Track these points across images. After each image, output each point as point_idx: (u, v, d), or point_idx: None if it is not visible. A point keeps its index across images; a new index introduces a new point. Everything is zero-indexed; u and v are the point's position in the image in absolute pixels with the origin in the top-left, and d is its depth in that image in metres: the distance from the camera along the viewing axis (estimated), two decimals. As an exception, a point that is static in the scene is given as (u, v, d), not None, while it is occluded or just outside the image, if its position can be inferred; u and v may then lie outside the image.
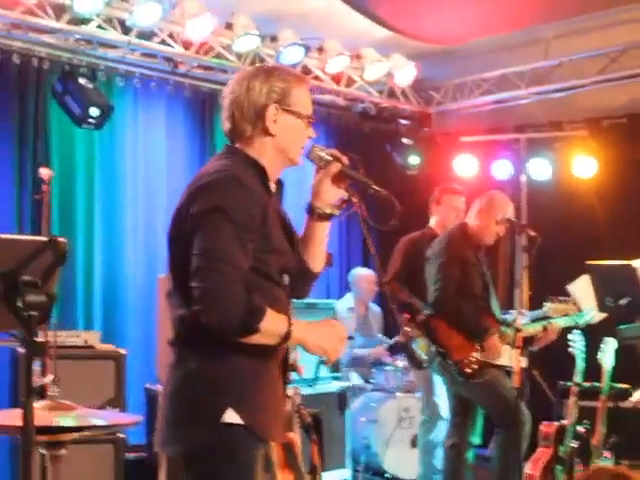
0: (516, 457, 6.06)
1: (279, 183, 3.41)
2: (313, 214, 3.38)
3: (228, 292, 2.97)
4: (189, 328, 3.10)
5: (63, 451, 3.21)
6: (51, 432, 3.13)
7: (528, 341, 6.38)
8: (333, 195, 3.35)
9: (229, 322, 2.97)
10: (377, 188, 3.26)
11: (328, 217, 3.37)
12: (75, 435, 3.17)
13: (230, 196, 3.10)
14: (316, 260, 3.44)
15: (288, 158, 3.32)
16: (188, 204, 3.13)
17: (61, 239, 2.87)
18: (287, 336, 3.05)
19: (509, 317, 6.50)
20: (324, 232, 3.42)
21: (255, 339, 3.02)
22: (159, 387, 6.69)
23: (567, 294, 6.77)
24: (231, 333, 3.00)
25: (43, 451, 3.21)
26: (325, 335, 3.15)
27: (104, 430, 3.51)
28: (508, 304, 7.70)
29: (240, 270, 3.02)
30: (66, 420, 3.15)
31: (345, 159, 3.33)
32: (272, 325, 3.03)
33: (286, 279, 3.27)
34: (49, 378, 3.26)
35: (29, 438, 2.61)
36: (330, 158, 3.32)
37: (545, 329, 6.37)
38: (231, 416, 3.08)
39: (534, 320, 6.58)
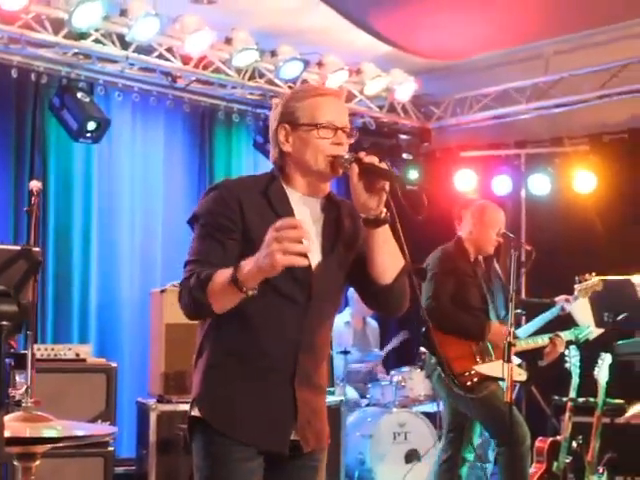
0: (520, 474, 6.02)
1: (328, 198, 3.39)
2: (363, 224, 3.31)
3: (185, 284, 3.11)
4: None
5: (36, 463, 3.19)
6: (23, 443, 3.11)
7: (535, 355, 6.35)
8: (368, 199, 3.19)
9: (187, 306, 3.11)
10: (402, 183, 3.17)
11: (373, 223, 3.23)
12: (48, 446, 3.15)
13: (204, 203, 3.27)
14: (379, 271, 3.31)
15: (314, 170, 3.27)
16: None
17: (35, 248, 2.85)
18: (234, 280, 2.95)
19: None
20: (377, 240, 3.26)
21: (215, 304, 3.05)
22: (151, 401, 6.69)
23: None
24: (197, 312, 3.14)
25: (15, 463, 3.19)
26: (262, 252, 2.91)
27: (79, 441, 3.48)
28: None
29: (207, 264, 3.10)
30: (40, 431, 3.13)
31: (368, 157, 3.18)
32: (216, 282, 3.02)
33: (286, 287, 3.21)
34: (23, 389, 3.22)
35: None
36: (351, 160, 3.20)
37: (553, 343, 6.31)
38: (195, 410, 3.28)
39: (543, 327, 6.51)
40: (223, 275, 3.01)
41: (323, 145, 3.24)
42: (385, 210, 3.22)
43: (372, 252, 3.29)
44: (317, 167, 3.25)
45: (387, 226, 3.26)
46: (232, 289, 2.98)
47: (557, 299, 6.60)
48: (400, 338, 9.37)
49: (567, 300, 6.55)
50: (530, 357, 6.38)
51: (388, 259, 3.30)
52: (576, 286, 6.60)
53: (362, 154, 3.19)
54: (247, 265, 2.96)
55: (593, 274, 6.58)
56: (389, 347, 9.34)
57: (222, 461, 3.23)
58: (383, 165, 3.17)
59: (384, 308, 3.51)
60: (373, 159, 3.18)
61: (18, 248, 2.93)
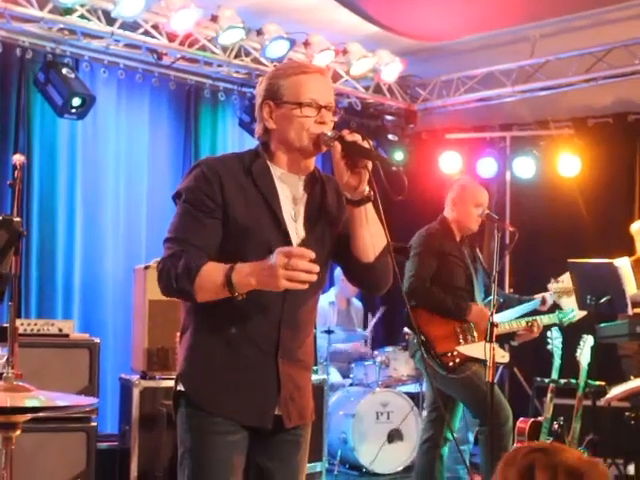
0: (501, 455, 6.02)
1: (313, 176, 3.40)
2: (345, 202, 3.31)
3: (167, 264, 3.16)
4: None
5: (17, 432, 3.18)
6: (4, 413, 3.11)
7: (509, 336, 6.37)
8: (350, 177, 3.19)
9: (168, 289, 3.17)
10: (384, 162, 3.17)
11: (355, 202, 3.24)
12: (28, 416, 3.14)
13: (187, 180, 3.30)
14: (360, 249, 3.32)
15: (297, 147, 3.28)
16: None
17: (16, 218, 2.84)
18: (228, 284, 3.04)
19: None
20: (359, 218, 3.26)
21: (201, 297, 3.13)
22: (134, 377, 6.69)
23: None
24: (178, 297, 3.22)
25: (-5, 432, 3.19)
26: (266, 269, 3.01)
27: (60, 412, 3.49)
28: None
29: (187, 244, 3.17)
30: (21, 401, 3.12)
31: (351, 135, 3.18)
32: (206, 279, 3.09)
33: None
34: (3, 360, 3.21)
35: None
36: (334, 137, 3.20)
37: (530, 325, 6.33)
38: (179, 385, 3.33)
39: (523, 315, 6.53)
40: (215, 272, 3.08)
41: (306, 123, 3.26)
42: (368, 189, 3.23)
43: (354, 230, 3.30)
44: (300, 144, 3.27)
45: (370, 205, 3.27)
46: (223, 290, 3.06)
47: (536, 296, 6.64)
48: (380, 312, 9.34)
49: (544, 301, 6.59)
50: (504, 338, 6.40)
51: (370, 237, 3.31)
52: (550, 285, 6.65)
53: (345, 132, 3.19)
54: (243, 271, 3.04)
55: (564, 277, 6.63)
56: (371, 324, 9.33)
57: (204, 434, 3.26)
58: (366, 144, 3.17)
59: (367, 286, 3.54)
60: (356, 137, 3.18)
61: (-1, 218, 2.92)
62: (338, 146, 3.17)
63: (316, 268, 3.00)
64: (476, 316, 6.14)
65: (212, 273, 3.08)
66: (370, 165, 3.16)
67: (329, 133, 3.22)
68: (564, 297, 6.64)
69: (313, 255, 3.00)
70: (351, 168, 3.18)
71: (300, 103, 3.25)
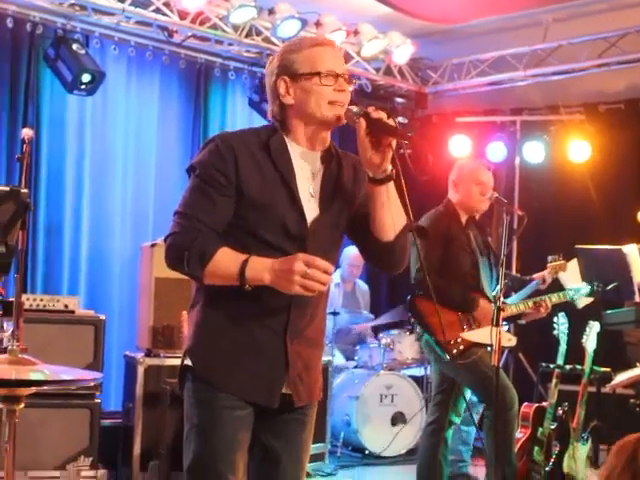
0: (506, 440, 6.02)
1: (329, 151, 3.38)
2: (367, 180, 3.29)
3: (177, 240, 3.17)
4: None
5: (21, 406, 3.18)
6: (8, 385, 3.10)
7: (517, 315, 6.34)
8: (374, 155, 3.17)
9: (176, 267, 3.17)
10: (410, 141, 3.14)
11: (377, 180, 3.22)
12: (32, 389, 3.13)
13: (201, 154, 3.30)
14: (380, 228, 3.30)
15: (318, 118, 3.25)
16: None
17: (23, 190, 2.83)
18: (240, 276, 3.07)
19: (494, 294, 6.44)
20: (380, 197, 3.24)
21: (209, 281, 3.16)
22: (138, 355, 6.69)
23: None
24: (185, 274, 3.19)
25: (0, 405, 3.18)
26: (282, 271, 3.04)
27: (64, 385, 3.48)
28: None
29: (196, 220, 3.17)
30: (24, 374, 3.11)
31: (376, 113, 3.16)
32: (218, 267, 3.11)
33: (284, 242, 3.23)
34: (9, 332, 3.20)
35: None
36: (359, 114, 3.17)
37: (537, 304, 6.30)
38: (187, 360, 3.33)
39: (529, 296, 6.51)
40: (228, 261, 3.10)
41: (326, 92, 3.24)
42: (390, 167, 3.22)
43: (375, 209, 3.29)
44: (321, 114, 3.25)
45: (391, 183, 3.25)
46: (234, 279, 3.08)
47: (535, 276, 6.63)
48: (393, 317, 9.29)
49: (543, 281, 6.58)
50: (511, 318, 6.39)
51: (390, 216, 3.30)
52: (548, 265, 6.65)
53: (371, 109, 3.18)
54: (257, 267, 3.07)
55: (560, 257, 6.62)
56: (381, 320, 9.27)
57: (211, 408, 3.25)
58: (391, 122, 3.15)
59: (385, 265, 3.50)
60: (382, 114, 3.16)
61: (7, 189, 2.90)
62: (363, 123, 3.15)
63: (330, 279, 3.05)
64: (481, 314, 6.12)
65: (225, 262, 3.11)
66: (394, 144, 3.14)
67: (355, 109, 3.20)
68: (560, 273, 6.62)
69: (332, 269, 3.06)
70: (375, 146, 3.16)
71: (318, 73, 3.24)
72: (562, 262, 6.60)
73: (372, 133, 3.15)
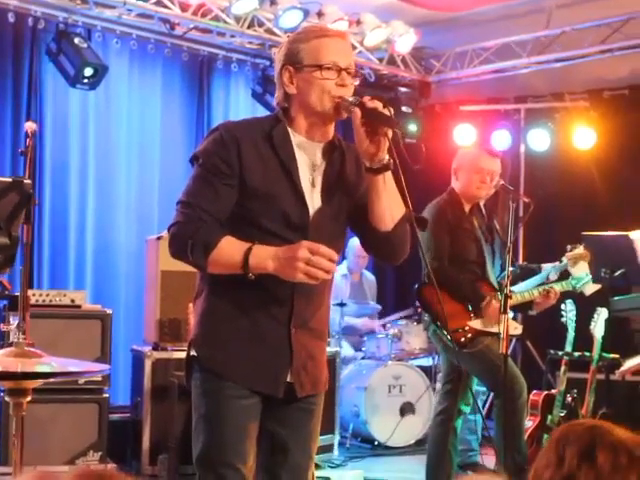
0: (515, 428, 6.00)
1: (332, 143, 3.37)
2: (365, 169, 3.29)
3: (180, 230, 3.17)
4: None
5: (27, 399, 3.16)
6: (14, 378, 3.09)
7: (527, 306, 6.31)
8: (370, 145, 3.16)
9: (180, 256, 3.18)
10: (404, 130, 3.14)
11: (373, 169, 3.22)
12: (39, 382, 3.12)
13: (204, 143, 3.30)
14: (378, 218, 3.29)
15: (318, 111, 3.24)
16: None
17: (26, 181, 2.81)
18: (244, 264, 3.07)
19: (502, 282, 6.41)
20: (377, 186, 3.24)
21: (212, 270, 3.17)
22: (146, 349, 6.68)
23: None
24: (189, 263, 3.19)
25: (7, 398, 3.17)
26: (286, 259, 3.05)
27: (71, 377, 3.47)
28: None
29: (199, 209, 3.16)
30: (31, 366, 3.10)
31: (372, 102, 3.15)
32: (222, 255, 3.11)
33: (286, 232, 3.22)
34: (14, 324, 3.19)
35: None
36: (354, 103, 3.17)
37: (546, 293, 6.26)
38: (192, 350, 3.33)
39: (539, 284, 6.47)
40: (231, 250, 3.10)
41: (327, 86, 3.22)
42: (387, 157, 3.20)
43: (372, 198, 3.28)
44: (321, 108, 3.24)
45: (389, 173, 3.24)
46: (237, 267, 3.08)
47: (544, 266, 6.58)
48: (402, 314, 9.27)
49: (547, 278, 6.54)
50: (521, 308, 6.36)
51: (389, 206, 3.29)
52: (567, 254, 6.58)
53: (366, 98, 3.17)
54: (261, 255, 3.07)
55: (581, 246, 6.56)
56: (391, 318, 9.24)
57: (217, 398, 3.25)
58: (386, 111, 3.14)
59: (384, 255, 3.50)
60: (377, 104, 3.15)
61: (9, 180, 2.89)
62: (358, 112, 3.15)
63: (334, 268, 3.06)
64: (486, 312, 6.09)
65: (228, 251, 3.11)
66: (390, 133, 3.13)
67: (350, 99, 3.19)
68: (580, 262, 6.55)
69: (336, 257, 3.06)
70: (371, 135, 3.15)
71: (320, 65, 3.22)
72: (583, 251, 6.51)
73: (367, 123, 3.14)
